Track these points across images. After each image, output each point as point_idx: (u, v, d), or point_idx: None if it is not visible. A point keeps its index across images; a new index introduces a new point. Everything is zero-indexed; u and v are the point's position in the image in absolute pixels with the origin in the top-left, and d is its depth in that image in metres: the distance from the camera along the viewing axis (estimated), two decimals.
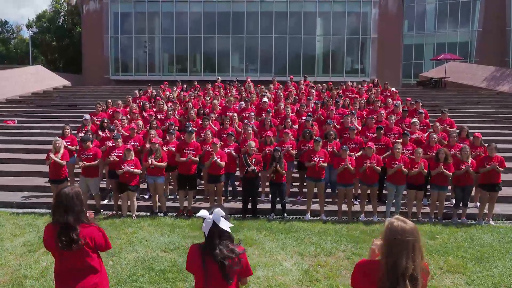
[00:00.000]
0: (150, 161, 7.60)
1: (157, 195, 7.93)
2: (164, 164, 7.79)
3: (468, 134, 8.87)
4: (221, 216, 2.58)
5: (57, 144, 7.71)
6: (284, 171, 7.68)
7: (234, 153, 8.27)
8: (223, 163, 7.78)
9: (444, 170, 7.42)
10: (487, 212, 7.72)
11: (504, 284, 5.00)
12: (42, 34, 39.67)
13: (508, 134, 12.96)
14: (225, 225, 2.59)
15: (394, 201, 7.71)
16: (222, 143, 8.23)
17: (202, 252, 2.57)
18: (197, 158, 7.95)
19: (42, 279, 5.00)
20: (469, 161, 7.63)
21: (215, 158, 7.63)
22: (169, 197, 8.79)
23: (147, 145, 8.39)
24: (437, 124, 9.07)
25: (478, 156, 7.92)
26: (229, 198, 8.86)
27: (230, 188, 8.93)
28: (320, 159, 7.71)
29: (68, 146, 8.36)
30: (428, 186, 8.17)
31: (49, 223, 2.96)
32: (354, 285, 2.28)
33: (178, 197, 8.28)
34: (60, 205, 2.85)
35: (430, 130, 9.25)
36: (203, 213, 2.62)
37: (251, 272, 2.69)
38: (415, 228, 2.08)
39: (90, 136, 8.34)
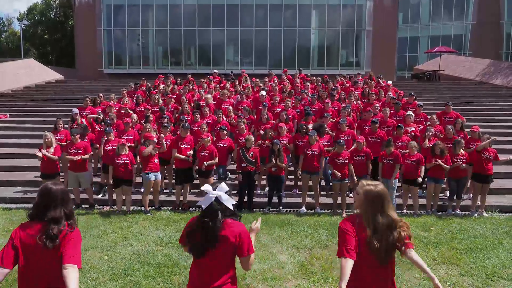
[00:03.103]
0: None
1: (150, 192, 7.83)
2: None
3: (462, 126, 8.90)
4: (225, 192, 2.58)
5: (47, 139, 7.61)
6: (284, 164, 7.68)
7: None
8: (216, 160, 7.81)
9: (441, 163, 7.46)
10: (480, 203, 7.78)
11: (497, 275, 5.04)
12: (33, 27, 39.16)
13: (502, 126, 13.05)
14: (229, 202, 2.58)
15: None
16: (214, 138, 8.22)
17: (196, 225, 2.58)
18: (191, 152, 7.93)
19: None
20: (463, 153, 7.68)
21: (205, 164, 7.70)
22: (164, 191, 8.75)
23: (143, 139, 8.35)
24: (434, 117, 9.08)
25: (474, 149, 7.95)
26: None
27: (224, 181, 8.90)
28: (315, 152, 7.71)
29: (58, 142, 8.23)
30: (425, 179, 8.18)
31: (26, 222, 2.61)
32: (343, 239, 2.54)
33: (174, 191, 8.26)
34: (46, 201, 2.58)
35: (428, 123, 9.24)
36: (206, 187, 2.58)
37: (251, 248, 2.58)
38: (385, 189, 2.61)
39: (80, 129, 8.25)
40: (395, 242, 2.51)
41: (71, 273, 2.35)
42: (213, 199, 2.55)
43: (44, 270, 2.50)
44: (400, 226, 2.55)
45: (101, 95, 11.35)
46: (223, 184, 2.61)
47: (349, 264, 2.41)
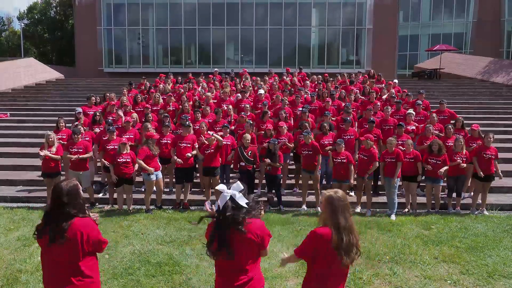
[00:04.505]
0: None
1: (150, 192, 7.79)
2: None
3: (463, 124, 8.89)
4: (239, 191, 2.68)
5: (50, 139, 7.60)
6: (278, 164, 7.67)
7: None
8: (221, 139, 7.79)
9: (428, 166, 7.52)
10: (481, 202, 7.77)
11: (498, 273, 5.04)
12: (33, 26, 39.12)
13: (502, 124, 13.04)
14: (242, 200, 2.67)
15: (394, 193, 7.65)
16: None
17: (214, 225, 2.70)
18: (194, 152, 7.92)
19: (37, 273, 4.97)
20: (463, 152, 7.66)
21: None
22: (164, 190, 8.75)
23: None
24: (434, 115, 9.07)
25: (475, 148, 7.93)
26: None
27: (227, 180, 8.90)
28: (309, 151, 7.71)
29: (61, 141, 8.23)
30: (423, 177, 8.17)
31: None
32: (304, 249, 2.85)
33: (174, 190, 8.26)
34: (53, 198, 2.81)
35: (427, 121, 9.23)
36: (221, 187, 2.71)
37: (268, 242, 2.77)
38: (344, 194, 2.85)
39: (81, 129, 8.26)
40: (354, 244, 2.75)
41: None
42: (228, 197, 2.66)
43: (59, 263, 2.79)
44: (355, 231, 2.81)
45: (108, 94, 11.30)
46: (237, 184, 2.71)
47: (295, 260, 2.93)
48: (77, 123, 8.98)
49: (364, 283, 4.77)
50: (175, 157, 7.76)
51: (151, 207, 7.78)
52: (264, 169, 7.92)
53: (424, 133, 8.47)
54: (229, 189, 2.69)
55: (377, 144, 8.36)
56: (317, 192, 7.85)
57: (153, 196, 7.94)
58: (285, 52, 25.71)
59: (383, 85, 12.81)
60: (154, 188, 7.92)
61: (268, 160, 7.61)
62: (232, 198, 2.65)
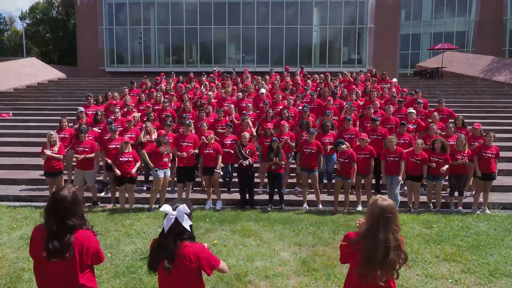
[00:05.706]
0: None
1: (157, 189, 7.82)
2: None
3: (463, 123, 8.88)
4: (185, 214, 2.58)
5: (52, 138, 7.63)
6: (283, 162, 7.69)
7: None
8: (219, 159, 7.80)
9: (432, 164, 7.49)
10: (482, 201, 7.76)
11: (499, 272, 5.04)
12: (35, 26, 39.25)
13: (504, 123, 13.00)
14: (187, 223, 2.58)
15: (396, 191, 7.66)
16: (218, 137, 8.24)
17: (157, 249, 2.59)
18: (197, 151, 7.94)
19: None
20: (466, 151, 7.65)
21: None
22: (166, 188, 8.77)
23: (145, 137, 8.36)
24: (435, 114, 9.05)
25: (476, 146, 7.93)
26: (226, 188, 8.85)
27: (229, 179, 8.89)
28: (313, 150, 7.73)
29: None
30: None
31: (40, 224, 2.64)
32: (342, 258, 2.76)
33: (176, 189, 8.28)
34: (54, 209, 2.56)
35: (429, 120, 9.22)
36: (166, 208, 2.59)
37: (214, 264, 2.62)
38: (394, 205, 2.48)
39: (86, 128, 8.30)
40: (391, 263, 2.40)
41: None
42: (173, 220, 2.57)
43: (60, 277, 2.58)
44: (399, 249, 2.44)
45: (109, 93, 11.32)
46: (183, 206, 2.61)
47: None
48: (80, 122, 9.01)
49: None
50: (178, 153, 7.78)
51: (155, 206, 7.79)
52: (266, 168, 7.92)
53: (427, 132, 8.47)
54: (174, 210, 2.59)
55: (382, 143, 8.35)
56: (317, 191, 7.85)
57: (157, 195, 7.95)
58: (287, 51, 25.70)
59: (387, 84, 12.79)
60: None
61: (274, 159, 7.61)
62: (177, 221, 2.58)
